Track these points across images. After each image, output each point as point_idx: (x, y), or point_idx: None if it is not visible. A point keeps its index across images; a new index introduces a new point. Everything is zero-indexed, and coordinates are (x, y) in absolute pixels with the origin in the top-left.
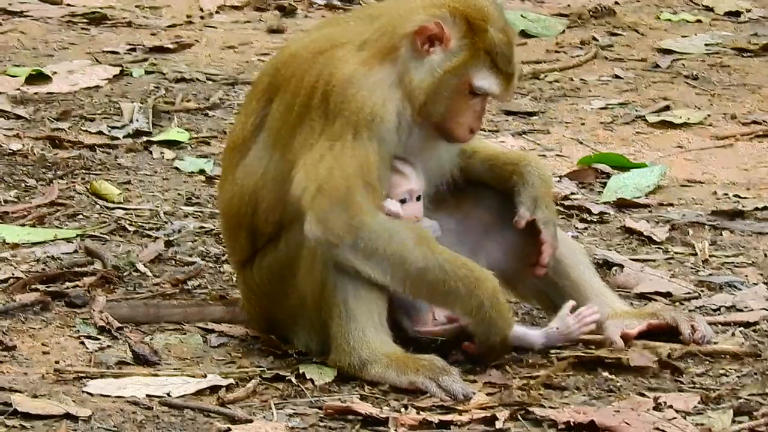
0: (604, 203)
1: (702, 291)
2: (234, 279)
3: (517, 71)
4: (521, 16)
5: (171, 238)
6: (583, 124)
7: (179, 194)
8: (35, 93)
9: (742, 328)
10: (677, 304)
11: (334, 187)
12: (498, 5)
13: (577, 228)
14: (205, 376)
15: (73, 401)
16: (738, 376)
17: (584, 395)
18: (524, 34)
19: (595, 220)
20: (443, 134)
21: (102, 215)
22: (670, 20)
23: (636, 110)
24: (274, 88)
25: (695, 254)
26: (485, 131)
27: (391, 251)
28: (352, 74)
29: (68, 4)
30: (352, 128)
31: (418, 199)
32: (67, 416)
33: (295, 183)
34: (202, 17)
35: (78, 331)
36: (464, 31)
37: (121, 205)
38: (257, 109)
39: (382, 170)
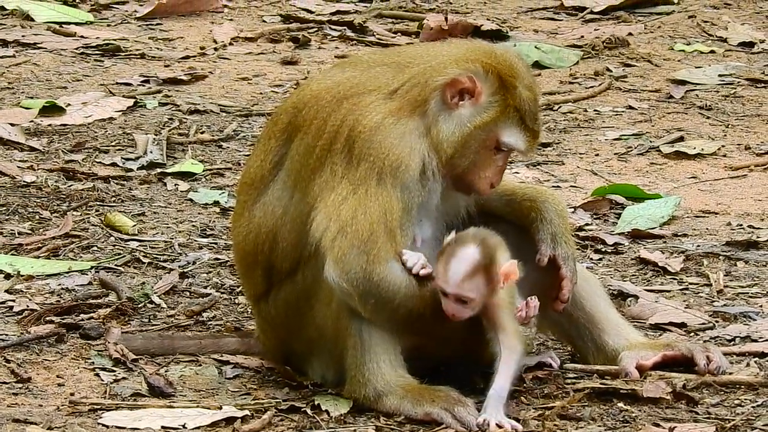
0: (619, 234)
1: (717, 321)
2: (249, 311)
3: (542, 128)
4: (535, 47)
5: (185, 270)
6: (597, 155)
7: (193, 226)
8: (49, 125)
9: (756, 359)
10: (692, 334)
11: (356, 230)
12: (525, 62)
13: (591, 259)
14: (220, 408)
15: None
16: (753, 407)
17: (600, 426)
18: (538, 65)
19: (609, 251)
20: (462, 186)
21: (116, 247)
22: (683, 51)
23: (650, 141)
24: (294, 128)
25: (710, 285)
26: None
27: (398, 303)
28: (381, 122)
29: (82, 36)
30: (376, 174)
31: (462, 302)
32: None
33: (316, 223)
34: (215, 49)
35: (93, 363)
36: (496, 87)
37: (135, 237)
38: (276, 148)
39: (404, 218)
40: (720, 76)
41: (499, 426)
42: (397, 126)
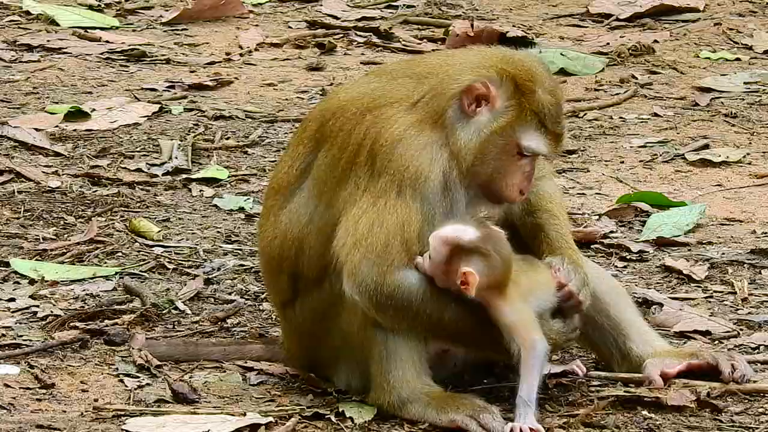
0: (644, 242)
1: (741, 329)
2: (274, 317)
3: (566, 130)
4: (561, 54)
5: (210, 276)
6: (622, 162)
7: (218, 232)
8: (74, 130)
9: None
10: (716, 342)
11: (371, 243)
12: (546, 67)
13: (616, 266)
14: (244, 414)
15: None
16: None
17: None
18: (564, 72)
19: (634, 258)
20: (490, 195)
21: (141, 253)
22: (709, 58)
23: (675, 148)
24: (321, 137)
25: (734, 293)
26: None
27: (416, 310)
28: (402, 135)
29: (107, 41)
30: (396, 186)
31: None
32: None
33: (336, 239)
34: (241, 54)
35: (117, 369)
36: (511, 91)
37: (160, 243)
38: (303, 155)
39: (423, 230)
40: (745, 83)
41: (533, 431)
42: (418, 138)
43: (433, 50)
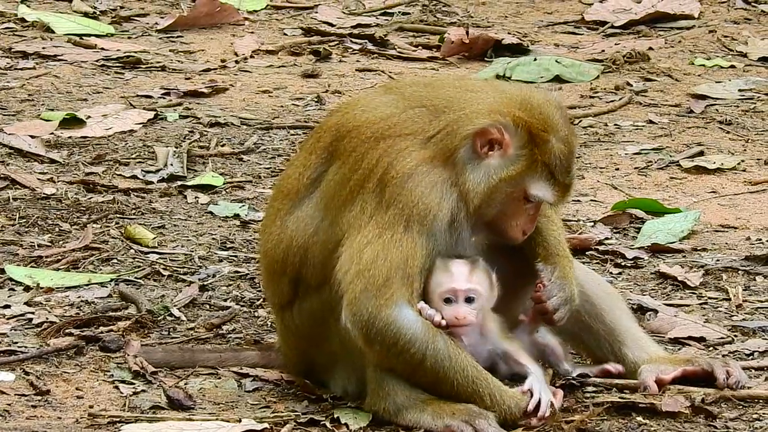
0: (639, 248)
1: (735, 336)
2: (269, 324)
3: (575, 180)
4: (556, 61)
5: (205, 283)
6: (617, 169)
7: (214, 239)
8: (69, 137)
9: None
10: (711, 349)
11: (373, 275)
12: (564, 111)
13: (611, 273)
14: (239, 421)
15: None
16: None
17: None
18: (559, 79)
19: (629, 265)
20: (496, 233)
21: (136, 260)
22: (703, 66)
23: (670, 155)
24: (335, 151)
25: (729, 299)
26: None
27: (400, 350)
28: (414, 170)
29: (102, 48)
30: (404, 220)
31: (469, 300)
32: None
33: (340, 263)
34: (236, 62)
35: (112, 375)
36: (525, 141)
37: (155, 250)
38: (315, 164)
39: (425, 266)
40: (740, 90)
41: (555, 395)
42: (430, 175)
43: (447, 75)
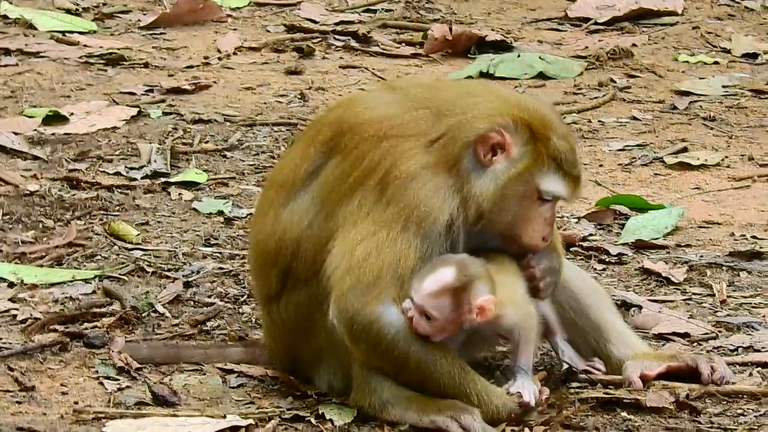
0: (623, 244)
1: (720, 331)
2: (254, 320)
3: (583, 175)
4: (539, 58)
5: (189, 279)
6: (601, 165)
7: (197, 235)
8: (52, 134)
9: (759, 368)
10: (695, 344)
11: (363, 272)
12: (558, 114)
13: (595, 269)
14: (224, 417)
15: None
16: (756, 416)
17: None
18: (542, 76)
19: (613, 261)
20: (514, 245)
21: (120, 256)
22: (687, 62)
23: (654, 152)
24: (335, 146)
25: (713, 295)
26: None
27: (385, 349)
28: (418, 173)
29: (85, 45)
30: (403, 220)
31: (426, 316)
32: None
33: (330, 258)
34: (219, 58)
35: (97, 371)
36: (527, 138)
37: (139, 246)
38: (313, 157)
39: (416, 267)
40: (724, 87)
41: (541, 393)
42: (433, 180)
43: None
